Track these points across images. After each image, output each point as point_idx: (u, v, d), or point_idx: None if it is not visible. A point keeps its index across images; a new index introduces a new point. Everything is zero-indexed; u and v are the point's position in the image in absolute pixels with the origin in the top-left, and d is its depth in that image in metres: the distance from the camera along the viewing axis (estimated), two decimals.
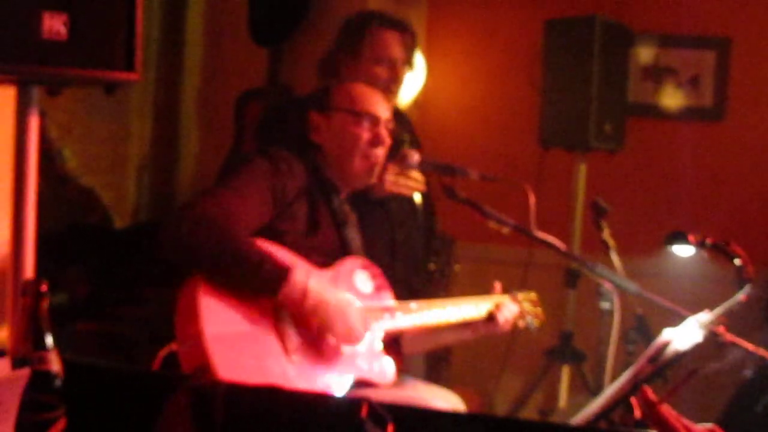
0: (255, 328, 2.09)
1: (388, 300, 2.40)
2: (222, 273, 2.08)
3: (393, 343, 2.43)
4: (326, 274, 2.29)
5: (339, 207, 2.41)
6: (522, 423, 1.91)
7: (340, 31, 2.94)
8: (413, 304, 2.42)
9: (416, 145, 2.93)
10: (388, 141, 2.45)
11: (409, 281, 2.73)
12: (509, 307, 2.57)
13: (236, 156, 2.40)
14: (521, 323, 2.65)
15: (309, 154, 2.41)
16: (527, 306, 2.67)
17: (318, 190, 2.36)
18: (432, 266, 3.30)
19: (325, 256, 2.31)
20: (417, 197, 2.66)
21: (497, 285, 2.62)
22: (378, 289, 2.39)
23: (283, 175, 2.26)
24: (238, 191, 2.18)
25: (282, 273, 2.10)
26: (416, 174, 2.61)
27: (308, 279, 2.13)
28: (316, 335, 2.17)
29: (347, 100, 2.43)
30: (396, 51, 2.84)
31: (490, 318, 2.53)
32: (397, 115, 2.98)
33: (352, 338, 2.20)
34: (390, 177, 2.59)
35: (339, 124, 2.41)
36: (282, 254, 2.19)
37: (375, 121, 2.43)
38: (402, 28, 2.87)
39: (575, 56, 3.67)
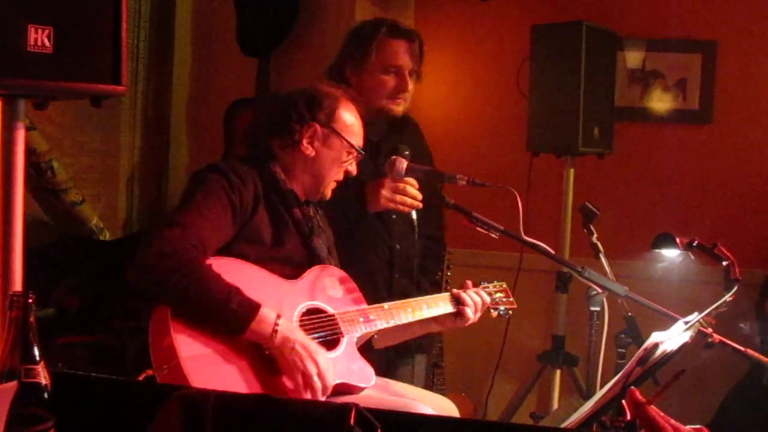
0: (229, 345, 2.10)
1: (361, 302, 2.42)
2: (189, 308, 2.08)
3: (365, 343, 2.45)
4: (298, 283, 2.31)
5: (303, 217, 2.40)
6: (513, 427, 1.92)
7: (348, 38, 2.96)
8: (386, 305, 2.43)
9: (423, 158, 2.93)
10: (355, 171, 2.49)
11: (407, 292, 2.74)
12: (475, 296, 2.58)
13: (193, 175, 2.38)
14: (494, 313, 2.69)
15: (268, 163, 2.40)
16: (499, 296, 2.70)
17: (278, 201, 2.36)
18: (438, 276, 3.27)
19: (291, 267, 2.32)
20: (413, 213, 2.67)
21: (468, 282, 2.65)
22: (348, 292, 2.41)
23: (237, 187, 2.26)
24: (199, 213, 2.17)
25: (248, 312, 2.09)
26: (413, 191, 2.61)
27: (277, 319, 2.12)
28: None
29: (352, 130, 2.45)
30: (403, 60, 2.86)
31: (457, 313, 2.55)
32: (403, 124, 2.97)
33: (315, 386, 2.12)
34: (386, 193, 2.61)
35: (336, 148, 2.43)
36: (250, 277, 2.19)
37: (359, 154, 2.47)
38: (410, 37, 2.88)
39: (562, 61, 3.68)
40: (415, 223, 2.69)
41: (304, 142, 2.41)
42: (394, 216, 2.77)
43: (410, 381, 2.80)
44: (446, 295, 2.58)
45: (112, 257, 3.72)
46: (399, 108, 2.90)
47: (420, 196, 2.63)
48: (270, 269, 2.26)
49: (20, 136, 1.76)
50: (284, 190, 2.38)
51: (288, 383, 2.12)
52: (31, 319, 1.36)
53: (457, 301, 2.55)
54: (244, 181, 2.28)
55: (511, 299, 2.75)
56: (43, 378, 1.36)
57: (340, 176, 2.47)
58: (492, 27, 4.43)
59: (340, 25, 4.09)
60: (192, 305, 2.07)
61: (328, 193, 2.48)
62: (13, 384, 1.31)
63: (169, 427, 1.42)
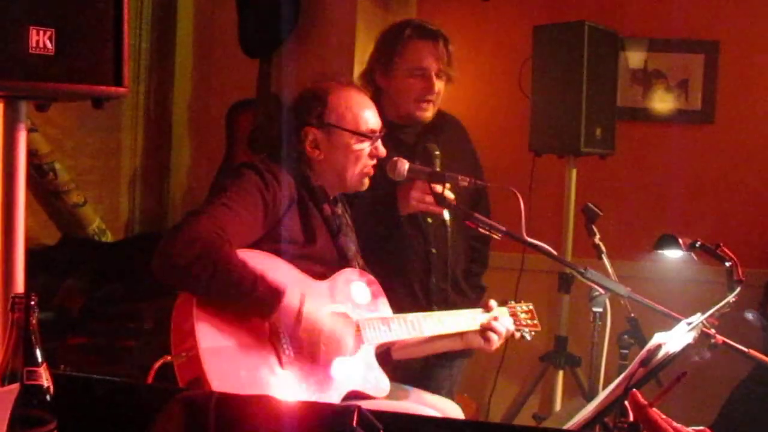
0: (250, 340, 2.09)
1: (385, 310, 2.40)
2: (215, 295, 2.07)
3: (384, 352, 2.43)
4: (323, 285, 2.29)
5: (331, 214, 2.40)
6: (514, 429, 1.91)
7: (377, 41, 2.92)
8: (410, 315, 2.41)
9: (464, 158, 2.88)
10: (383, 152, 2.45)
11: (445, 296, 2.73)
12: (504, 322, 2.54)
13: (226, 170, 2.38)
14: (517, 335, 2.64)
15: (297, 163, 2.39)
16: (523, 317, 2.66)
17: (308, 198, 2.35)
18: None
19: (322, 264, 2.31)
20: (446, 215, 2.62)
21: (492, 303, 2.60)
22: (375, 299, 2.38)
23: (272, 187, 2.25)
24: (229, 207, 2.16)
25: (275, 296, 2.09)
26: (447, 193, 2.56)
27: (302, 303, 2.12)
28: (308, 355, 2.17)
29: (349, 117, 2.40)
30: (428, 61, 2.81)
31: (484, 338, 2.50)
32: (440, 125, 2.90)
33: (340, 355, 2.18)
34: (416, 195, 2.58)
35: (342, 141, 2.40)
36: (277, 270, 2.18)
37: (375, 135, 2.43)
38: (434, 37, 2.83)
39: (564, 62, 3.67)
40: (449, 225, 2.63)
41: (308, 148, 2.39)
42: (429, 220, 2.74)
43: (449, 387, 2.77)
44: (474, 311, 2.54)
45: (113, 259, 3.72)
46: (426, 113, 2.85)
47: (452, 197, 2.57)
48: (302, 267, 2.25)
49: (22, 137, 1.76)
50: (314, 187, 2.37)
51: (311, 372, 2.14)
52: (33, 321, 1.36)
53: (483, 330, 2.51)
54: (279, 181, 2.27)
55: (535, 321, 2.68)
56: (45, 380, 1.35)
57: (368, 161, 2.42)
58: (493, 27, 4.43)
59: (341, 25, 4.09)
60: (217, 292, 2.06)
61: (364, 183, 2.45)
62: (15, 386, 1.31)
63: (172, 428, 1.42)
